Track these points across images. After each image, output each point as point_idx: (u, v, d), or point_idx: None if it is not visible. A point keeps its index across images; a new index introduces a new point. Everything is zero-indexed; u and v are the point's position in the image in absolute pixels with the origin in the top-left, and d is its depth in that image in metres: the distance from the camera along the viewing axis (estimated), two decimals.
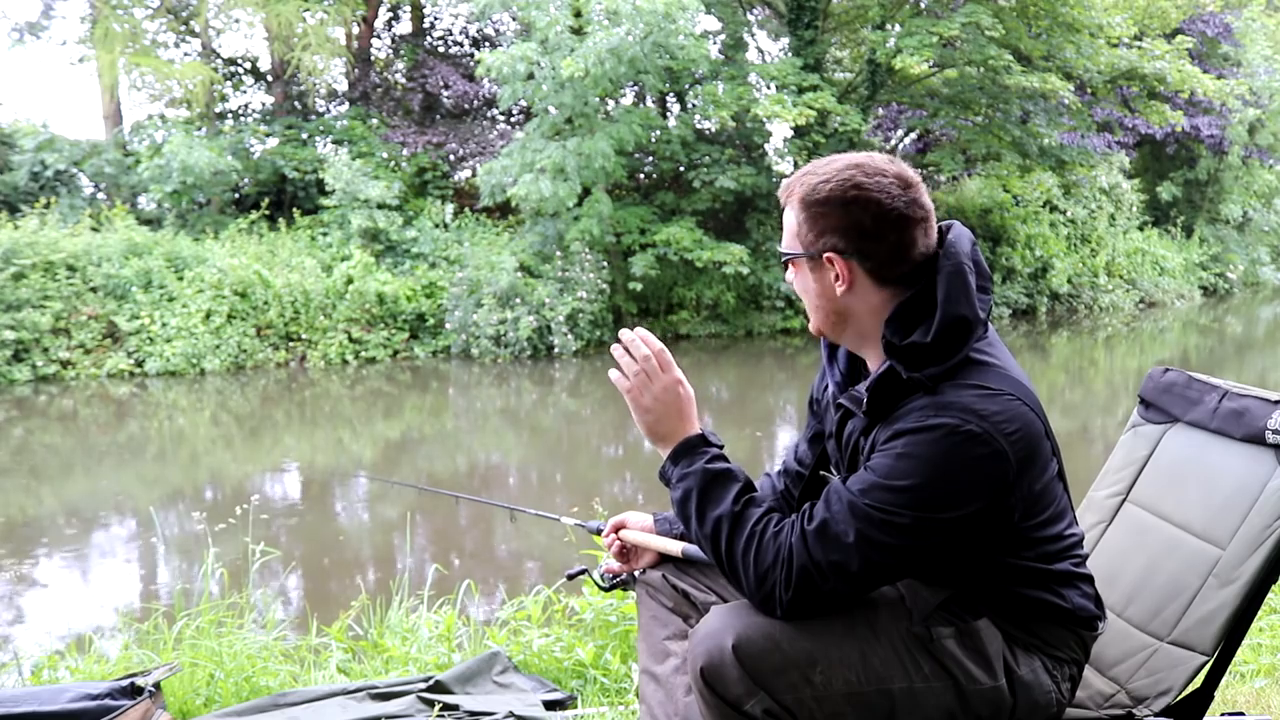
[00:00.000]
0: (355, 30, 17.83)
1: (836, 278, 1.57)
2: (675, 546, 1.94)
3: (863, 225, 1.54)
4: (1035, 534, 1.58)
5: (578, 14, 13.92)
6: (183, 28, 16.94)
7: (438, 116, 17.62)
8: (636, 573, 2.03)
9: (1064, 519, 1.63)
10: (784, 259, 1.63)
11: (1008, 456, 1.45)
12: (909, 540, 1.45)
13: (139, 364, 12.61)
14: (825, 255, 1.56)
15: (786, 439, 9.90)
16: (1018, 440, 1.47)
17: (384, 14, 18.77)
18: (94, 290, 12.79)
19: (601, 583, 2.13)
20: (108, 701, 2.35)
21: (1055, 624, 1.62)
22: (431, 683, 2.77)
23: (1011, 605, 1.60)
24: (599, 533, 2.17)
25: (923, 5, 16.60)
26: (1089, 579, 1.66)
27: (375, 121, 16.76)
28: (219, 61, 17.39)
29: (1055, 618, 1.61)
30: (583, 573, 2.29)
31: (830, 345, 1.75)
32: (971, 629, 1.55)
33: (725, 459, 1.63)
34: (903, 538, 1.45)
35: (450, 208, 15.46)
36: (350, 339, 13.62)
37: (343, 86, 17.59)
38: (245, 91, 18.06)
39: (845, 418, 1.66)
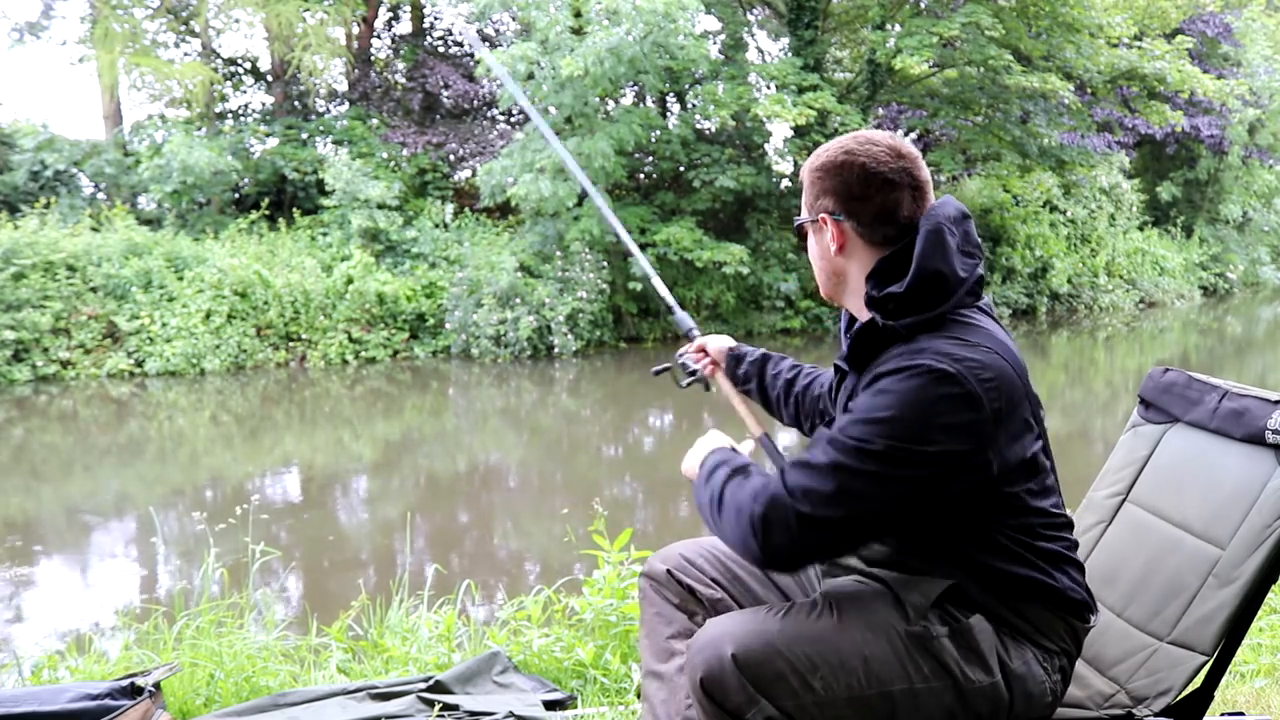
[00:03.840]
0: (355, 30, 17.83)
1: (831, 238, 1.67)
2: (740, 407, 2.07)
3: (851, 188, 1.64)
4: (1019, 502, 1.58)
5: (578, 14, 13.92)
6: (183, 28, 16.94)
7: (438, 116, 17.61)
8: (641, 568, 2.03)
9: (1050, 496, 1.64)
10: (797, 228, 1.76)
11: (981, 401, 1.46)
12: (881, 468, 1.44)
13: (139, 364, 12.61)
14: (820, 217, 1.68)
15: (787, 438, 9.90)
16: (991, 388, 1.48)
17: (384, 14, 18.77)
18: (94, 290, 12.79)
19: (681, 375, 2.24)
20: (108, 701, 2.35)
21: (1043, 606, 1.62)
22: (431, 683, 2.77)
23: (999, 581, 1.60)
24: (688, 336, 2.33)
25: (923, 5, 16.59)
26: (1078, 566, 1.67)
27: (375, 122, 16.76)
28: (219, 61, 17.38)
29: (1043, 598, 1.61)
30: (667, 369, 2.41)
31: (849, 320, 1.79)
32: (965, 627, 1.56)
33: None
34: (875, 464, 1.44)
35: (450, 208, 15.46)
36: (350, 339, 13.62)
37: (343, 86, 17.59)
38: (245, 91, 18.06)
39: (841, 380, 1.73)
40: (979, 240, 1.66)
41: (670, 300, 2.43)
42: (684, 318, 2.39)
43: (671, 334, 15.59)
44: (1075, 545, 1.69)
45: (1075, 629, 1.66)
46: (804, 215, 1.74)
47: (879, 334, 1.58)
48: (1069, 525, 1.68)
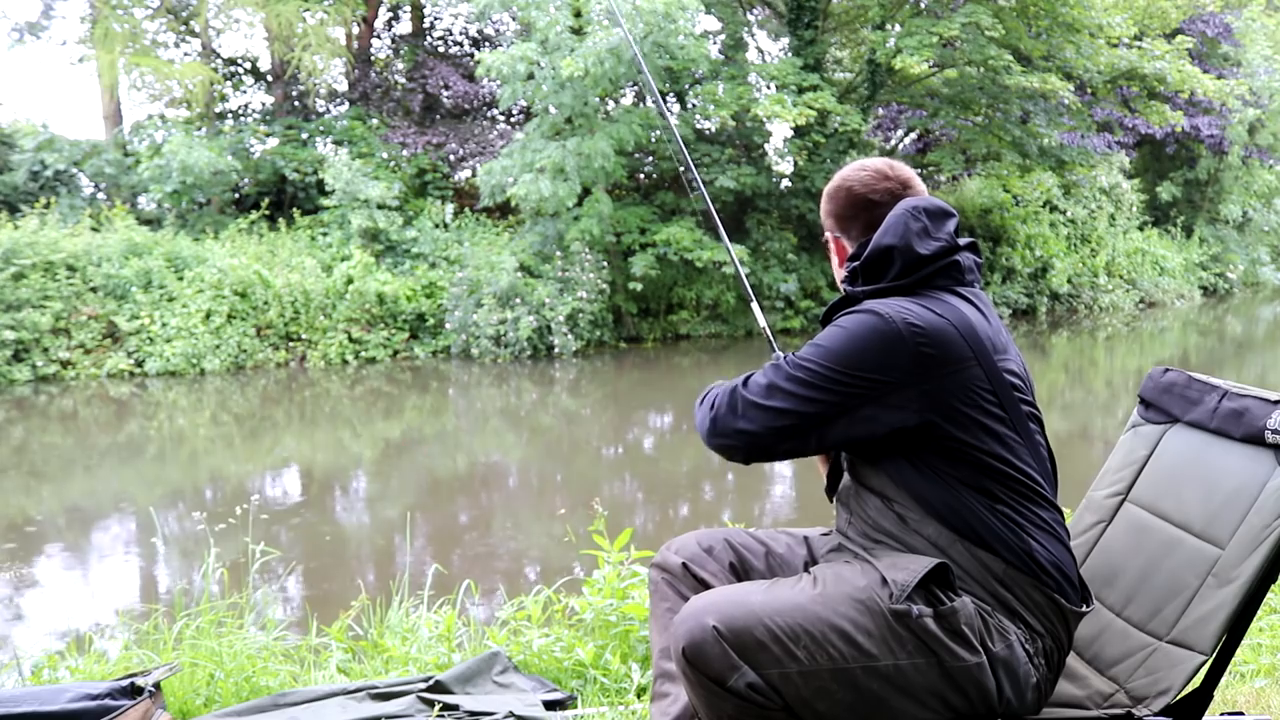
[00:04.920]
0: (355, 30, 17.83)
1: (835, 252, 1.95)
2: None
3: (842, 209, 1.91)
4: (980, 459, 1.65)
5: (578, 14, 13.92)
6: (183, 28, 16.94)
7: (438, 117, 17.61)
8: (653, 559, 2.01)
9: (1022, 467, 1.68)
10: (824, 246, 2.02)
11: (905, 341, 1.64)
12: (809, 378, 1.67)
13: (139, 364, 12.61)
14: (828, 236, 1.96)
15: None
16: (919, 334, 1.64)
17: (384, 14, 18.76)
18: (94, 290, 12.79)
19: None
20: (108, 701, 2.34)
21: (1026, 576, 1.65)
22: (431, 683, 2.77)
23: (981, 539, 1.65)
24: None
25: (923, 5, 16.58)
26: (1062, 542, 1.71)
27: (375, 122, 16.75)
28: (219, 61, 17.39)
29: (1022, 564, 1.65)
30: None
31: None
32: (950, 609, 1.59)
33: None
34: (805, 374, 1.68)
35: (450, 208, 15.46)
36: (350, 339, 13.62)
37: (343, 87, 17.59)
38: (245, 91, 18.06)
39: None
40: (952, 233, 1.80)
41: (769, 334, 2.41)
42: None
43: (672, 333, 15.60)
44: (1061, 524, 1.72)
45: (1061, 609, 1.67)
46: (825, 238, 2.01)
47: (847, 300, 1.82)
48: (1053, 505, 1.72)
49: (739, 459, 1.75)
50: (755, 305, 2.44)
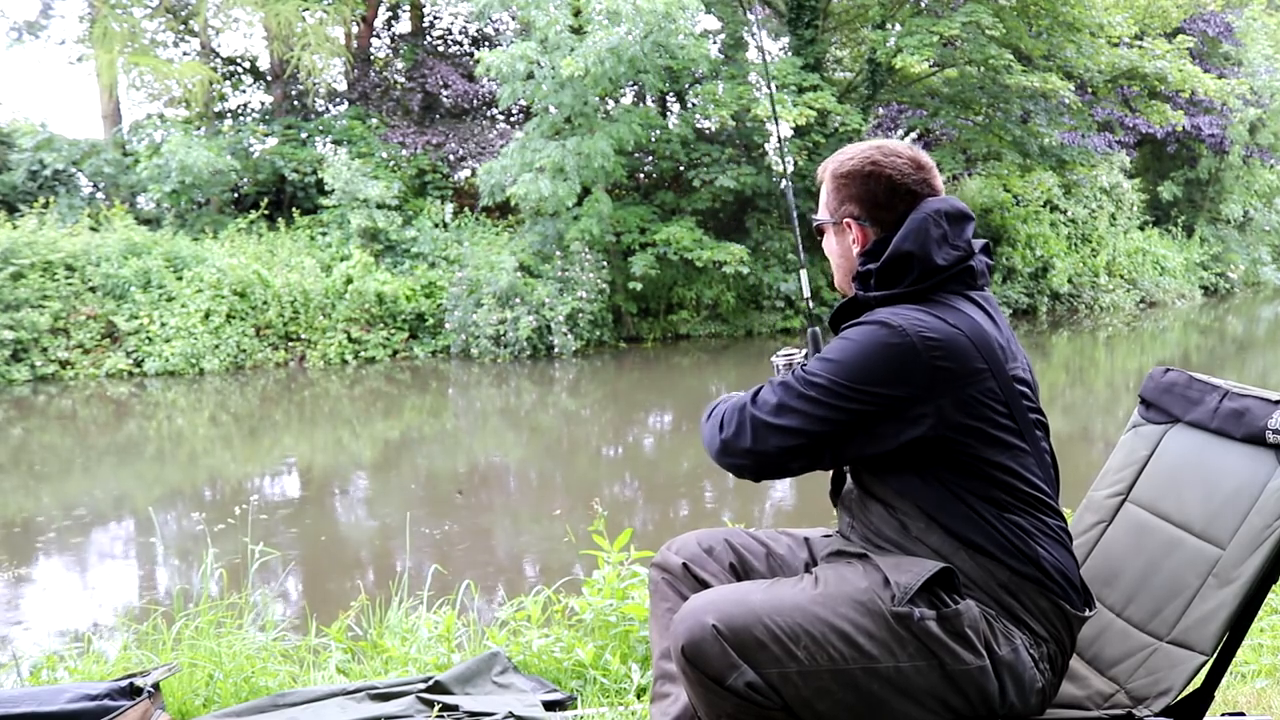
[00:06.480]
0: (355, 30, 17.82)
1: (855, 240, 1.81)
2: None
3: (877, 197, 1.78)
4: (990, 471, 1.63)
5: (577, 13, 13.91)
6: (181, 27, 16.94)
7: (437, 116, 17.61)
8: (654, 559, 2.00)
9: (1030, 475, 1.67)
10: (816, 226, 1.90)
11: (920, 355, 1.59)
12: (820, 395, 1.62)
13: (138, 364, 12.61)
14: (845, 220, 1.81)
15: None
16: (934, 349, 1.60)
17: (383, 13, 18.76)
18: (93, 290, 12.79)
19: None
20: (106, 702, 2.34)
21: (1032, 584, 1.64)
22: (431, 683, 2.77)
23: (985, 547, 1.63)
24: None
25: (923, 4, 16.58)
26: (1066, 549, 1.70)
27: (375, 121, 16.75)
28: (218, 61, 17.38)
29: (1031, 574, 1.64)
30: None
31: None
32: (953, 612, 1.58)
33: None
34: (816, 392, 1.63)
35: (450, 207, 15.46)
36: (350, 339, 13.62)
37: (342, 86, 17.58)
38: (244, 91, 18.06)
39: None
40: (970, 239, 1.77)
41: (809, 303, 2.23)
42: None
43: (672, 333, 15.60)
44: (1064, 529, 1.72)
45: (1066, 614, 1.66)
46: (825, 216, 1.86)
47: (856, 304, 1.75)
48: (1057, 512, 1.71)
49: (749, 477, 1.72)
50: (803, 272, 2.26)
